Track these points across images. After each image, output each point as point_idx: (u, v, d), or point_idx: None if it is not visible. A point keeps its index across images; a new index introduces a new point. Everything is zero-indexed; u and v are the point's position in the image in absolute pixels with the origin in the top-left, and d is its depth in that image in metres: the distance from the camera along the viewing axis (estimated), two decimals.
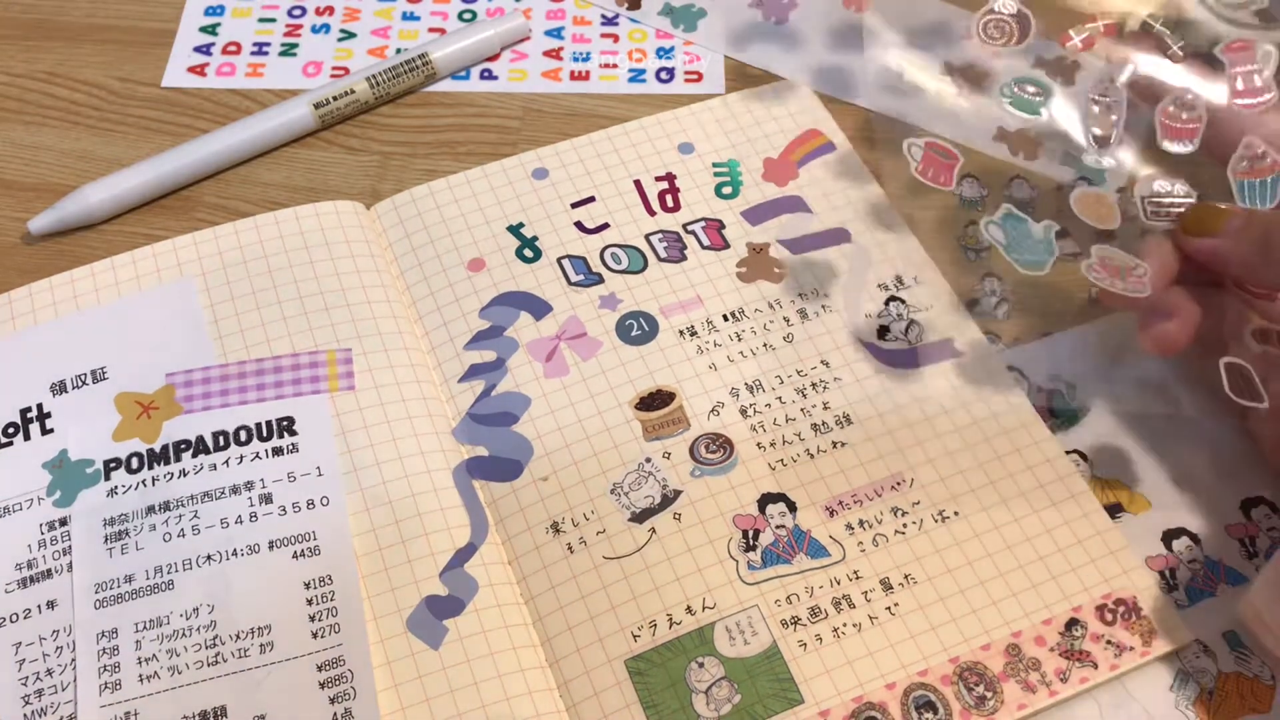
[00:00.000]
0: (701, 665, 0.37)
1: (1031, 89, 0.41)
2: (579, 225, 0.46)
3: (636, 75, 0.52)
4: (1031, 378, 0.43)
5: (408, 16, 0.54)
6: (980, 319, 0.44)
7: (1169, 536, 0.39)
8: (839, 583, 0.38)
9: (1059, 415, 0.42)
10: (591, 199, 0.47)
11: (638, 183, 0.48)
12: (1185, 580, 0.39)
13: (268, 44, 0.53)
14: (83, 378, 0.42)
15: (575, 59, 0.53)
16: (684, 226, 0.47)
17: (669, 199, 0.47)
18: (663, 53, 0.53)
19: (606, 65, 0.53)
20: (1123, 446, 0.41)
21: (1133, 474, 0.41)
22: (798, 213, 0.47)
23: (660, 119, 0.50)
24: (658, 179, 0.48)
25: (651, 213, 0.47)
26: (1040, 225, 0.39)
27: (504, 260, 0.45)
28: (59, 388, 0.42)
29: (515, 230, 0.46)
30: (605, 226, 0.47)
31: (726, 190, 0.48)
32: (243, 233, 0.46)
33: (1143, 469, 0.41)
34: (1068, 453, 0.41)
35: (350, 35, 0.54)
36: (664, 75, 0.52)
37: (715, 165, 0.48)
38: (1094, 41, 0.42)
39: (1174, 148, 0.38)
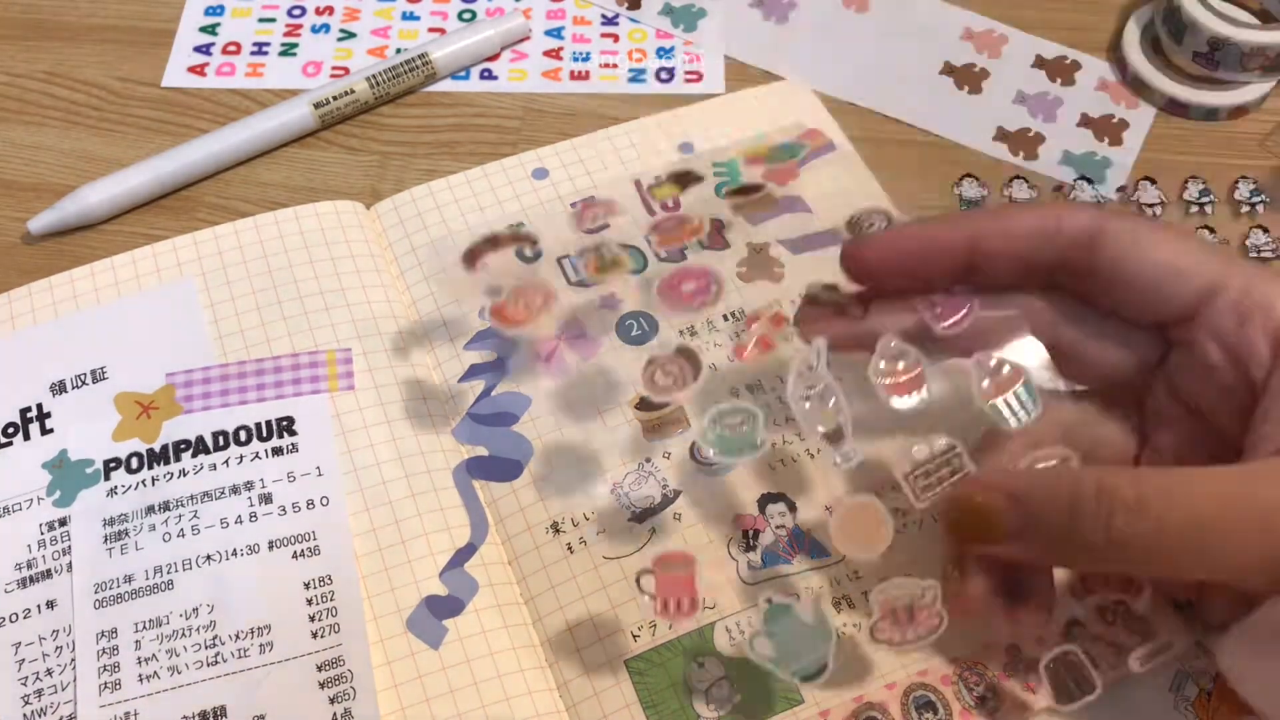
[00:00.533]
0: (701, 665, 0.37)
1: (736, 419, 0.33)
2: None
3: (636, 75, 0.52)
4: None
5: (408, 16, 0.54)
6: None
7: None
8: (839, 583, 0.38)
9: None
10: (592, 199, 0.47)
11: (638, 183, 0.48)
12: None
13: (268, 44, 0.53)
14: (83, 378, 0.42)
15: (575, 59, 0.53)
16: None
17: (669, 199, 0.47)
18: (663, 53, 0.53)
19: (606, 65, 0.53)
20: None
21: None
22: (798, 213, 0.47)
23: (660, 119, 0.50)
24: (658, 179, 0.48)
25: (651, 213, 0.47)
26: (810, 605, 0.33)
27: (504, 260, 0.45)
28: (59, 388, 0.42)
29: (515, 230, 0.46)
30: (605, 226, 0.46)
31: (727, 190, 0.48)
32: (243, 233, 0.46)
33: None
34: None
35: (350, 35, 0.54)
36: (664, 75, 0.52)
37: (715, 165, 0.48)
38: (769, 341, 0.38)
39: (904, 404, 0.34)
